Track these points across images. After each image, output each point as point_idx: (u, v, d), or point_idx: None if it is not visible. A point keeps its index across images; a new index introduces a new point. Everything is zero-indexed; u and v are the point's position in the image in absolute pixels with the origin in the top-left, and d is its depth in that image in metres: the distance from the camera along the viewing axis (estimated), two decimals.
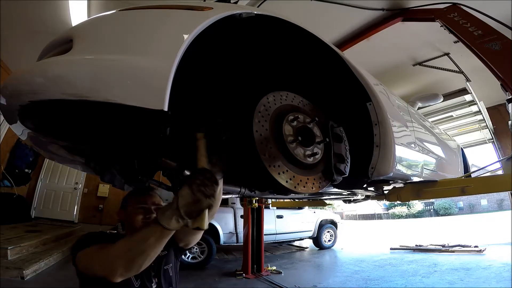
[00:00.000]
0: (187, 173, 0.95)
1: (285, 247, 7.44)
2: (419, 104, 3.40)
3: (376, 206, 32.17)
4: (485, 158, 8.24)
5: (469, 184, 1.79)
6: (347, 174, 1.18)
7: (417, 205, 30.25)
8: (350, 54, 2.39)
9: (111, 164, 0.91)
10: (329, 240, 7.15)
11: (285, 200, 4.69)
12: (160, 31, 0.73)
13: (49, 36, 0.84)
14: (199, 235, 1.17)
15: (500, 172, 1.94)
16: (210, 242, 4.91)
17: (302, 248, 7.35)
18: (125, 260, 0.77)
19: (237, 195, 1.27)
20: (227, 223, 5.38)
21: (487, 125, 5.35)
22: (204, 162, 0.79)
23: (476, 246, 5.84)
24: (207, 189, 0.71)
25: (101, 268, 0.81)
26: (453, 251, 5.87)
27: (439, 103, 4.29)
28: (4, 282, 3.02)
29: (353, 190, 1.94)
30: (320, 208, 7.19)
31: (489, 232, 9.18)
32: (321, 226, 6.90)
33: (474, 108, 5.05)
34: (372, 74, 1.51)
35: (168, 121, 0.66)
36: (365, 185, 1.51)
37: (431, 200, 23.80)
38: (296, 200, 3.84)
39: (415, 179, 1.73)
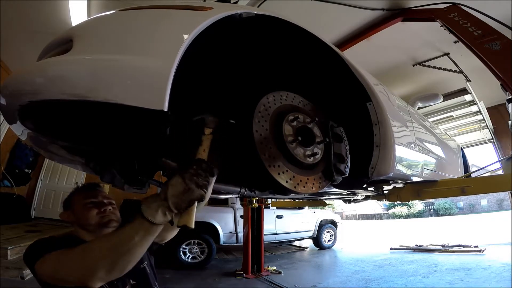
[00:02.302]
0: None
1: (285, 247, 7.45)
2: (419, 104, 3.40)
3: (376, 206, 32.19)
4: (485, 158, 8.23)
5: (469, 184, 1.78)
6: (347, 174, 1.17)
7: (417, 205, 30.28)
8: (350, 54, 2.39)
9: (111, 164, 0.91)
10: (329, 240, 7.15)
11: (285, 200, 4.69)
12: (160, 31, 0.73)
13: (49, 36, 0.84)
14: (175, 231, 1.11)
15: (500, 172, 1.94)
16: (210, 242, 4.91)
17: (302, 248, 7.35)
18: (108, 261, 0.67)
19: (237, 195, 1.27)
20: (227, 223, 5.38)
21: (487, 125, 5.35)
22: (203, 156, 0.76)
23: (476, 246, 5.85)
24: (201, 179, 0.67)
25: (75, 273, 0.70)
26: (453, 251, 5.87)
27: (439, 103, 4.29)
28: (4, 282, 3.01)
29: (353, 190, 1.94)
30: (320, 208, 7.20)
31: (489, 232, 9.19)
32: (321, 226, 6.91)
33: (474, 108, 5.05)
34: (372, 74, 1.50)
35: (168, 121, 0.66)
36: (365, 185, 1.51)
37: (431, 200, 23.79)
38: (296, 200, 3.83)
39: (415, 179, 1.73)
